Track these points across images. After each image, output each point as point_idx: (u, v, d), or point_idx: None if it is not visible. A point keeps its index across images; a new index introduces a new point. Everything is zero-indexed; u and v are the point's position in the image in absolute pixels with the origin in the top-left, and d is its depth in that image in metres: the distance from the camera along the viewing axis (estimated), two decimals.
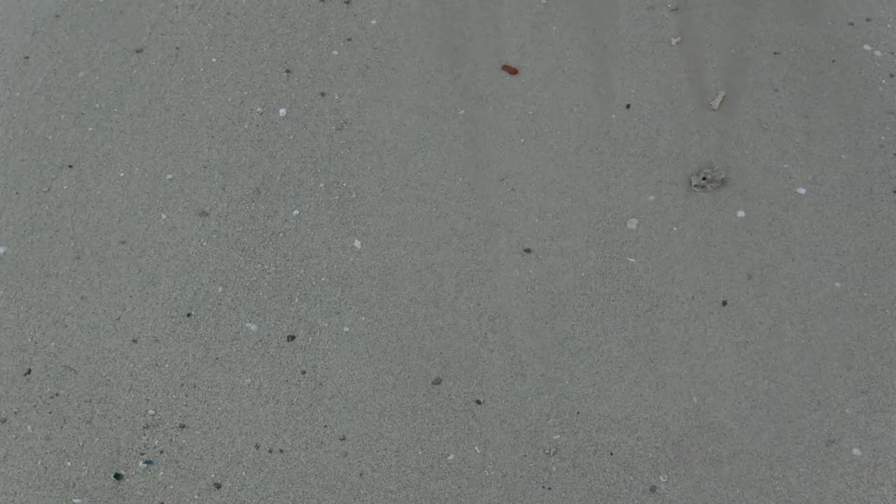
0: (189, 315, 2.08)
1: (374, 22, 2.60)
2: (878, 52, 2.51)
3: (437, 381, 2.00)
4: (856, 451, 1.91)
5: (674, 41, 2.55)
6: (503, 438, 1.94)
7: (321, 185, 2.28)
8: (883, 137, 2.35)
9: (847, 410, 1.96)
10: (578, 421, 1.95)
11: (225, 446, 1.92)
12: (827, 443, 1.92)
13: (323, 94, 2.45)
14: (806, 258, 2.16)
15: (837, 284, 2.12)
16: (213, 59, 2.51)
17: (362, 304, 2.10)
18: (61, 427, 1.94)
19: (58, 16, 2.61)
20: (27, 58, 2.52)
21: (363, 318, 2.08)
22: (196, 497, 1.86)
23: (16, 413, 1.95)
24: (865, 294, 2.11)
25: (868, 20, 2.57)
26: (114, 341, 2.04)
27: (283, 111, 2.41)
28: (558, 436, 1.93)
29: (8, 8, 2.62)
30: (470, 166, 2.32)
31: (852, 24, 2.57)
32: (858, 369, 2.01)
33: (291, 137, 2.36)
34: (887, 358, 2.02)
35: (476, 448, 1.93)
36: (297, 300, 2.10)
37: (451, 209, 2.25)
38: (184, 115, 2.40)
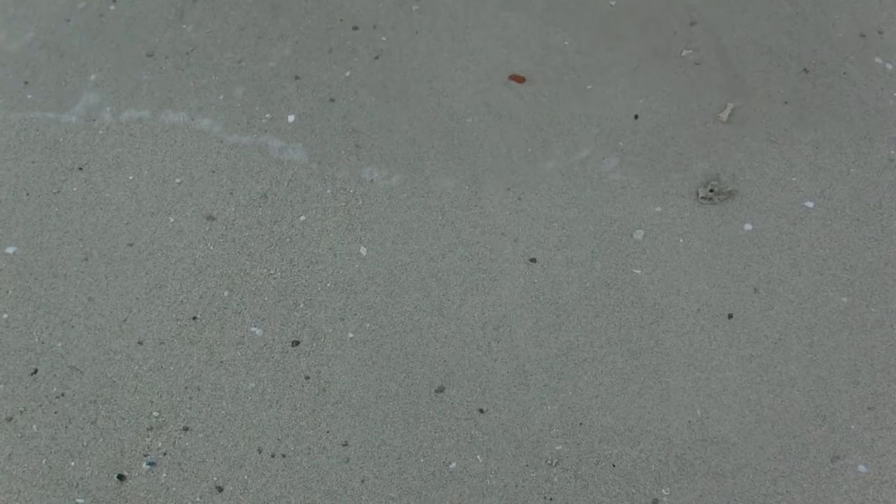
0: (194, 318, 2.09)
1: (383, 38, 2.61)
2: (889, 65, 2.49)
3: (441, 390, 2.00)
4: (861, 468, 1.90)
5: (684, 52, 2.55)
6: (505, 448, 1.93)
7: (328, 191, 2.29)
8: (893, 152, 2.34)
9: (853, 426, 1.94)
10: (581, 432, 1.95)
11: (228, 450, 1.93)
12: (832, 459, 1.91)
13: (332, 101, 2.46)
14: (813, 272, 2.15)
15: (844, 299, 2.11)
16: (223, 64, 2.53)
17: (367, 311, 2.10)
18: (66, 427, 1.95)
19: (68, 20, 2.63)
20: (37, 63, 2.54)
21: (368, 325, 2.08)
22: (198, 500, 1.87)
23: (21, 412, 1.97)
24: (873, 309, 2.09)
25: (880, 32, 2.56)
26: (119, 343, 2.06)
27: (291, 118, 2.42)
28: (561, 446, 1.93)
29: (17, 13, 2.65)
30: (476, 175, 2.32)
31: (864, 36, 2.56)
32: (865, 385, 1.99)
33: (300, 143, 2.37)
34: (894, 374, 2.01)
35: (478, 457, 1.92)
36: (302, 305, 2.11)
37: (456, 218, 2.25)
38: (193, 119, 2.42)
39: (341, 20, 2.61)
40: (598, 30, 2.60)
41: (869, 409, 1.96)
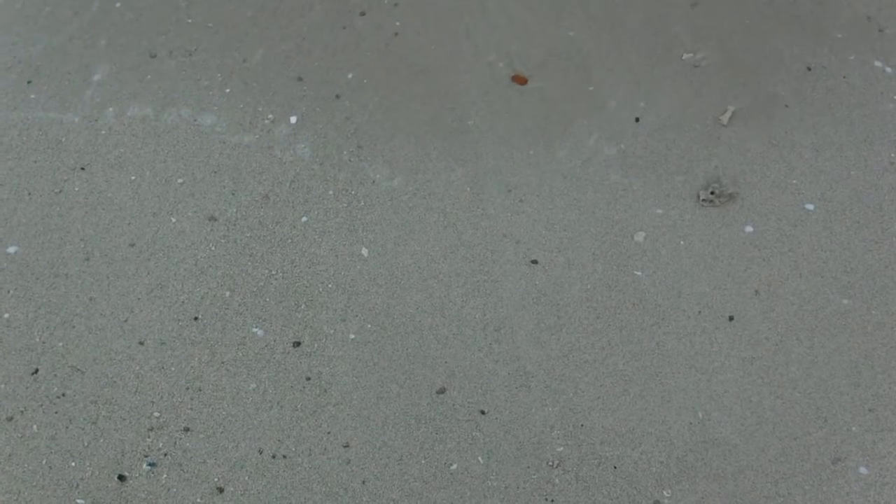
0: (196, 319, 2.09)
1: (392, 32, 2.61)
2: (888, 69, 2.50)
3: (442, 391, 2.00)
4: (862, 470, 1.90)
5: (685, 55, 2.56)
6: (506, 449, 1.93)
7: (330, 192, 2.29)
8: (893, 154, 2.35)
9: (854, 428, 1.94)
10: (582, 433, 1.95)
11: (228, 450, 1.93)
12: (833, 461, 1.91)
13: (335, 101, 2.46)
14: (814, 274, 2.15)
15: (845, 301, 2.11)
16: (226, 64, 2.53)
17: (368, 312, 2.10)
18: (67, 427, 1.95)
19: (76, 13, 2.64)
20: (40, 63, 2.55)
21: (369, 326, 2.08)
22: (199, 501, 1.87)
23: (22, 412, 1.97)
24: (873, 311, 2.10)
25: (881, 31, 2.57)
26: (121, 343, 2.06)
27: (293, 118, 2.43)
28: (562, 448, 1.93)
29: (21, 14, 2.66)
30: (478, 176, 2.33)
31: (864, 39, 2.57)
32: (866, 387, 1.99)
33: (302, 144, 2.38)
34: (895, 376, 2.01)
35: (479, 458, 1.92)
36: (303, 306, 2.11)
37: (458, 219, 2.25)
38: (195, 119, 2.42)
39: (349, 11, 2.62)
40: (599, 30, 2.61)
41: (870, 410, 1.96)
